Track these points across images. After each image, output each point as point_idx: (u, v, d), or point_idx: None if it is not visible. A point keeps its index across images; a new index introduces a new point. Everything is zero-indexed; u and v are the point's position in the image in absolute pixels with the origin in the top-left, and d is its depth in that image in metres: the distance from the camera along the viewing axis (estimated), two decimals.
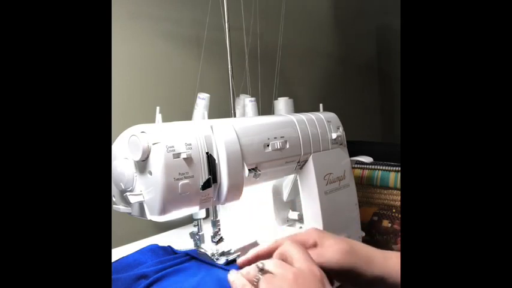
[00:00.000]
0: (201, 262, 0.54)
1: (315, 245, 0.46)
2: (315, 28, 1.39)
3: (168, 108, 0.69)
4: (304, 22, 1.31)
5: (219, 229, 0.58)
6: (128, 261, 0.53)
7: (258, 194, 0.73)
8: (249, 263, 0.44)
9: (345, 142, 0.78)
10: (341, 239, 0.47)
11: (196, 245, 0.58)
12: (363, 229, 0.80)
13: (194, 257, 0.54)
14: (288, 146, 0.64)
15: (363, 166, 0.94)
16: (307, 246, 0.45)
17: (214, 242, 0.57)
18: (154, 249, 0.55)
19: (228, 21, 0.78)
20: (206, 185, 0.51)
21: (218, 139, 0.54)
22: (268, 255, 0.45)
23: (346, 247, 0.45)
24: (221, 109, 0.82)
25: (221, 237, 0.58)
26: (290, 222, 0.76)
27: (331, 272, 0.44)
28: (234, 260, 0.55)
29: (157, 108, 0.57)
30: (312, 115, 0.73)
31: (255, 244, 0.66)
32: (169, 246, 0.56)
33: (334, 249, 0.45)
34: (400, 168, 0.88)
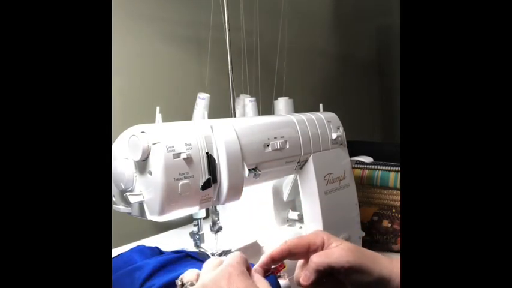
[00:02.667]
0: (193, 259, 0.54)
1: (322, 245, 0.46)
2: (315, 28, 1.39)
3: (168, 108, 0.69)
4: (304, 22, 1.31)
5: (218, 217, 0.58)
6: (118, 263, 0.53)
7: (258, 194, 0.73)
8: (263, 268, 0.44)
9: (345, 142, 0.78)
10: (345, 241, 0.47)
11: (196, 244, 0.58)
12: (363, 229, 0.80)
13: (187, 254, 0.54)
14: (288, 146, 0.64)
15: (363, 166, 0.94)
16: (315, 247, 0.46)
17: (213, 231, 0.57)
18: (142, 249, 0.55)
19: (228, 21, 0.78)
20: (206, 185, 0.51)
21: (218, 139, 0.54)
22: (280, 256, 0.45)
23: (353, 246, 0.45)
24: (221, 109, 0.82)
25: (220, 227, 0.58)
26: (290, 222, 0.76)
27: (340, 273, 0.44)
28: None
29: (157, 108, 0.57)
30: (312, 115, 0.73)
31: (255, 244, 0.66)
32: (156, 247, 0.56)
33: (342, 248, 0.45)
34: (400, 168, 0.88)
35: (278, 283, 0.46)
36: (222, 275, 0.37)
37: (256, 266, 0.44)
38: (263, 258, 0.44)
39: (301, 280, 0.44)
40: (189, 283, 0.40)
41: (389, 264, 0.45)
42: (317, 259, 0.44)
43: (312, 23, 1.37)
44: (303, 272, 0.44)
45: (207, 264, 0.40)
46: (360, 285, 0.45)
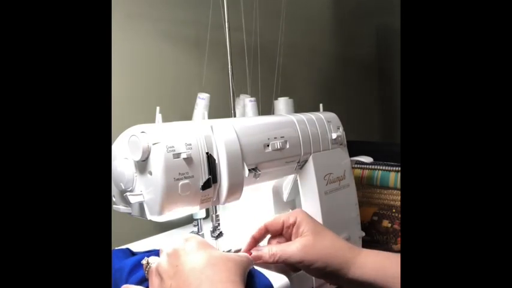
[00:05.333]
0: None
1: (294, 223, 0.51)
2: (315, 28, 1.39)
3: (168, 108, 0.69)
4: (304, 22, 1.31)
5: (219, 224, 0.58)
6: None
7: (258, 194, 0.73)
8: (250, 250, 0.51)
9: (345, 142, 0.78)
10: (314, 228, 0.51)
11: None
12: (363, 229, 0.80)
13: None
14: (288, 146, 0.64)
15: (363, 166, 0.94)
16: (288, 224, 0.52)
17: (213, 237, 0.57)
18: (115, 253, 0.55)
19: (228, 21, 0.78)
20: (206, 185, 0.51)
21: (218, 139, 0.54)
22: (260, 235, 0.53)
23: (311, 243, 0.49)
24: (221, 109, 0.82)
25: (221, 232, 0.58)
26: None
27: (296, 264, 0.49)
28: None
29: (157, 108, 0.57)
30: (312, 115, 0.73)
31: None
32: (127, 248, 0.57)
33: (299, 245, 0.49)
34: (400, 168, 0.88)
35: (271, 283, 0.47)
36: (180, 240, 0.43)
37: (243, 250, 0.49)
38: (247, 242, 0.52)
39: (253, 253, 0.50)
40: (153, 262, 0.43)
41: (352, 257, 0.49)
42: (276, 251, 0.49)
43: (312, 23, 1.37)
44: (258, 249, 0.50)
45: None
46: (315, 272, 0.50)
